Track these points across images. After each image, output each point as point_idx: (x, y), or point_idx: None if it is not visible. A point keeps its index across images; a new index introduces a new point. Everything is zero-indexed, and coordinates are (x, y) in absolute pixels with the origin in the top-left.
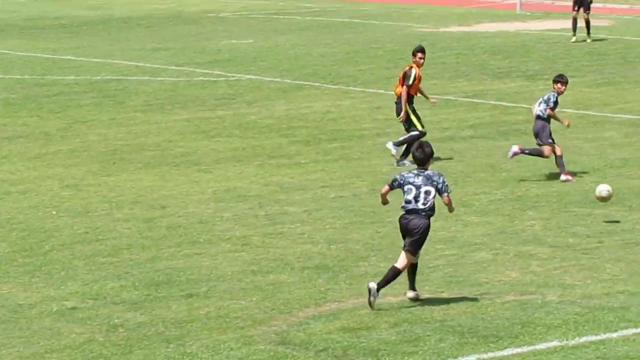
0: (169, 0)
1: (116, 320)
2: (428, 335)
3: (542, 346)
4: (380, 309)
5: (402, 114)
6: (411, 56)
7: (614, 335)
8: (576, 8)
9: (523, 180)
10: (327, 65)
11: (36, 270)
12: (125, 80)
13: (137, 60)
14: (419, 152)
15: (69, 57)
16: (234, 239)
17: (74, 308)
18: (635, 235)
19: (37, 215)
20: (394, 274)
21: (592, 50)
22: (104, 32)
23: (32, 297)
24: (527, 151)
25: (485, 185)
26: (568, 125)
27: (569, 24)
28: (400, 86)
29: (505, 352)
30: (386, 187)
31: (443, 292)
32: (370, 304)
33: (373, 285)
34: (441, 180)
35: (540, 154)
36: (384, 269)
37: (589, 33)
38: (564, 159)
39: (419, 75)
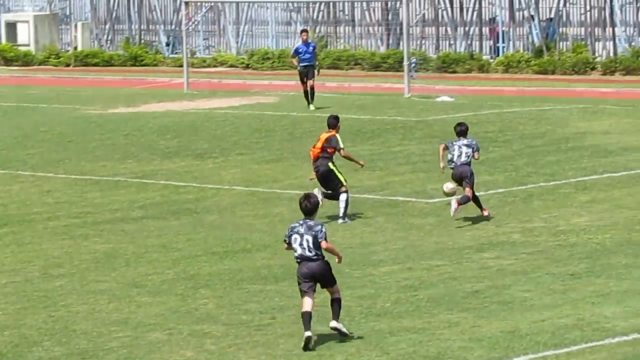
0: None
1: None
2: None
3: None
4: None
5: (361, 162)
6: (327, 127)
7: None
8: (305, 80)
9: (195, 258)
10: None
11: None
12: None
13: None
14: (305, 203)
15: None
16: None
17: None
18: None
19: None
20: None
21: (260, 127)
22: None
23: None
24: (462, 202)
25: (157, 265)
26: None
27: (235, 102)
28: (320, 150)
29: None
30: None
31: None
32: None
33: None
34: (319, 229)
35: (469, 199)
36: (58, 353)
37: (311, 101)
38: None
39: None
